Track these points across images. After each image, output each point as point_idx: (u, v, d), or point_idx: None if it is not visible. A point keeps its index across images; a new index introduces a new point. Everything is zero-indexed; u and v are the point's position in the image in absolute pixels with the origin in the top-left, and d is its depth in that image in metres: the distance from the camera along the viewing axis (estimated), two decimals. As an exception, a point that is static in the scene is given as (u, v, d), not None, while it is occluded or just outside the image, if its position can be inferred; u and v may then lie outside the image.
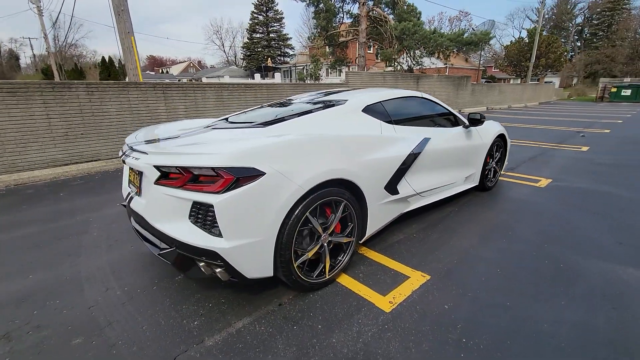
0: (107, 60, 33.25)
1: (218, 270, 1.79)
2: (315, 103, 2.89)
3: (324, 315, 1.96)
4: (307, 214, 1.96)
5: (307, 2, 18.25)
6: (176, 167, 1.79)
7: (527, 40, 36.09)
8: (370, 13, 17.16)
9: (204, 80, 34.67)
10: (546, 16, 54.62)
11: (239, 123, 2.67)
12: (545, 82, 36.58)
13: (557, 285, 2.19)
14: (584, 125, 10.80)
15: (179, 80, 32.97)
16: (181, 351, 1.72)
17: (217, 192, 1.67)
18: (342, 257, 2.32)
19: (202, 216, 1.75)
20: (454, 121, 3.53)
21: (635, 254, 2.57)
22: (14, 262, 2.67)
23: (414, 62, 18.05)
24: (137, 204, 2.10)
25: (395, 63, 17.25)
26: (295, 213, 1.90)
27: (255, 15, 44.14)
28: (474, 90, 17.89)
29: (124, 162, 2.22)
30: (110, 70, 32.45)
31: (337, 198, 2.13)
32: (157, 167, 1.88)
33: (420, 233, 3.00)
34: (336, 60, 21.31)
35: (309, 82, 23.37)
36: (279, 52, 45.92)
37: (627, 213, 3.36)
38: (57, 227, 3.35)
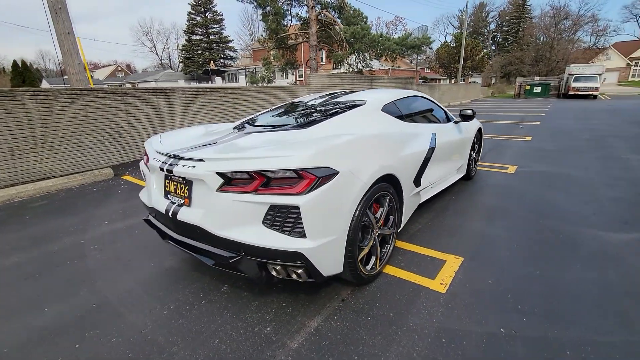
0: (19, 64, 28.99)
1: (299, 271, 1.79)
2: (334, 104, 2.97)
3: (390, 304, 2.07)
4: (367, 209, 2.06)
5: (255, 4, 18.02)
6: (247, 171, 1.76)
7: (453, 45, 39.81)
8: (319, 17, 17.53)
9: (141, 85, 32.12)
10: (469, 22, 60.58)
11: (273, 126, 2.65)
12: (471, 82, 40.77)
13: (566, 252, 2.58)
14: (518, 119, 12.33)
15: (107, 85, 30.02)
16: (269, 357, 1.70)
17: (301, 194, 1.69)
18: (387, 249, 2.45)
19: (281, 218, 1.74)
20: (445, 117, 3.87)
21: (609, 220, 3.11)
22: (18, 297, 2.33)
23: (363, 65, 18.84)
24: (187, 215, 1.99)
25: (347, 65, 17.85)
26: (360, 209, 1.98)
27: (193, 16, 42.12)
28: (418, 90, 19.30)
29: (168, 171, 2.07)
30: (24, 75, 28.33)
31: (384, 192, 2.26)
32: (221, 174, 1.82)
33: (434, 221, 3.25)
34: (286, 62, 21.33)
35: (263, 85, 23.06)
36: (222, 55, 44.40)
37: (588, 189, 4.01)
38: (44, 253, 2.95)
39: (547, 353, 1.64)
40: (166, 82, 34.33)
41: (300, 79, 41.96)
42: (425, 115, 3.48)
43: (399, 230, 2.65)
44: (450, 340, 1.76)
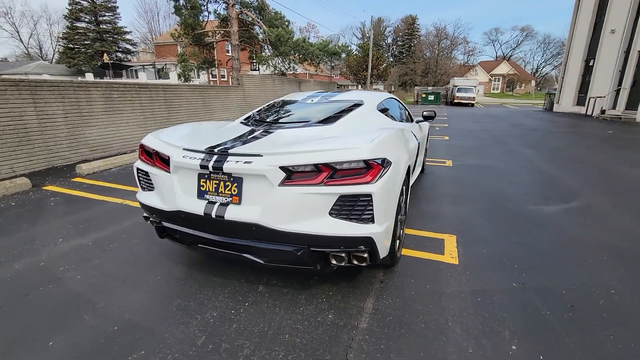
0: None
1: (364, 255, 1.91)
2: (336, 103, 3.11)
3: (423, 279, 2.35)
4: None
5: (167, -5, 16.52)
6: (315, 164, 1.81)
7: (361, 54, 43.36)
8: (241, 16, 17.10)
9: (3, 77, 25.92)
10: (367, 35, 66.35)
11: (293, 122, 2.66)
12: (374, 89, 45.10)
13: (523, 223, 3.28)
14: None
15: (-38, 76, 23.32)
16: (347, 339, 1.79)
17: (371, 182, 1.82)
18: (403, 233, 2.73)
19: (350, 207, 1.84)
20: (410, 117, 4.38)
21: (537, 198, 4.02)
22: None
23: (287, 67, 19.08)
24: (237, 213, 1.91)
25: (272, 67, 17.82)
26: (400, 196, 2.21)
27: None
28: (338, 94, 20.50)
29: (214, 168, 1.93)
30: None
31: (405, 181, 2.54)
32: (284, 168, 1.82)
33: (414, 209, 3.68)
34: (204, 61, 20.14)
35: (196, 84, 21.17)
36: (117, 48, 38.97)
37: (511, 176, 5.04)
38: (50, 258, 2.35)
39: (551, 295, 2.14)
40: (42, 75, 28.39)
41: (214, 79, 39.89)
42: (402, 115, 3.91)
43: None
44: (484, 298, 2.12)
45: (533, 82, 58.50)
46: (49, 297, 2.19)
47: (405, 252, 2.72)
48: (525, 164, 5.81)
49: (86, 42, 36.60)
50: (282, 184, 1.84)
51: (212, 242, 2.07)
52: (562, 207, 3.68)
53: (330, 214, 1.85)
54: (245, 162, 1.87)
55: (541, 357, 1.65)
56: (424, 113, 4.48)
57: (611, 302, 2.07)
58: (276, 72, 18.95)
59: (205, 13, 18.56)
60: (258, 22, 17.07)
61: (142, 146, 2.44)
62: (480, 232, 3.09)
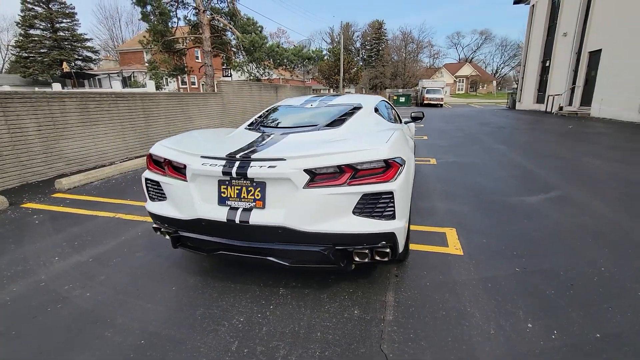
0: None
1: (386, 250, 1.99)
2: (337, 107, 3.20)
3: (434, 270, 2.48)
4: None
5: (133, 0, 16.03)
6: (338, 165, 1.89)
7: (332, 59, 43.99)
8: (213, 22, 16.88)
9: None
10: (336, 40, 67.35)
11: (301, 127, 2.71)
12: (346, 92, 45.89)
13: (511, 213, 3.52)
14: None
15: None
16: (378, 332, 1.87)
17: (391, 180, 1.92)
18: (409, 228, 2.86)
19: (372, 205, 1.93)
20: (399, 118, 4.57)
21: (519, 190, 4.32)
22: None
23: (262, 73, 19.01)
24: (262, 217, 1.94)
25: (247, 73, 17.67)
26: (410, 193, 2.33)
27: (30, 6, 33.82)
28: (314, 98, 20.70)
29: (238, 174, 1.95)
30: None
31: (409, 179, 2.67)
32: (308, 171, 1.89)
33: (412, 205, 3.84)
34: (175, 68, 19.64)
35: (174, 92, 20.44)
36: (77, 56, 37.00)
37: (491, 171, 5.36)
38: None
39: (551, 276, 2.33)
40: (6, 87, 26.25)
41: (184, 86, 38.84)
42: (394, 117, 4.07)
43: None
44: (493, 284, 2.28)
45: (494, 83, 61.77)
46: (60, 317, 2.10)
47: (412, 246, 2.85)
48: (501, 160, 6.20)
49: (42, 51, 34.50)
50: (307, 186, 1.90)
51: (235, 248, 2.08)
52: (542, 198, 3.99)
53: (354, 212, 1.93)
54: (269, 167, 1.91)
55: (555, 332, 1.81)
56: (413, 114, 4.68)
57: (603, 278, 2.29)
58: (251, 78, 18.84)
59: (175, 19, 18.16)
60: (231, 28, 16.92)
61: (150, 156, 2.40)
62: (476, 224, 3.29)
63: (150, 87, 20.08)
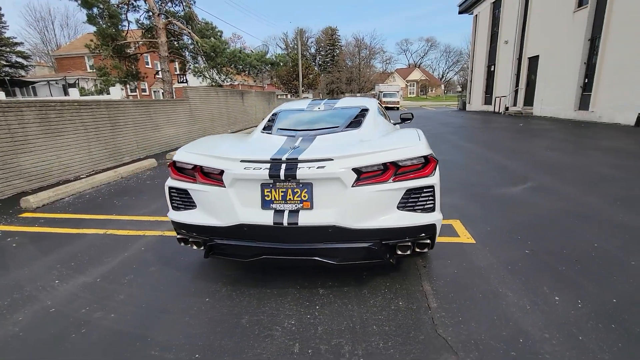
0: None
1: (427, 241, 2.10)
2: (347, 109, 3.28)
3: (456, 259, 2.66)
4: None
5: (78, 2, 14.85)
6: (382, 163, 1.97)
7: (290, 65, 44.15)
8: (169, 26, 16.15)
9: None
10: (290, 45, 67.64)
11: (321, 129, 2.74)
12: (304, 97, 46.32)
13: (504, 202, 3.86)
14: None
15: None
16: (429, 318, 1.98)
17: (430, 175, 2.04)
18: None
19: (415, 199, 2.03)
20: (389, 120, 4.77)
21: (500, 182, 4.73)
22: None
23: (224, 79, 18.54)
24: (311, 218, 1.97)
25: (209, 79, 17.09)
26: None
27: (-56, 5, 29.69)
28: (279, 103, 20.65)
29: (286, 176, 1.95)
30: None
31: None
32: (356, 170, 1.95)
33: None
34: (127, 74, 18.44)
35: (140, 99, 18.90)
36: (5, 62, 33.12)
37: (470, 166, 5.79)
38: (9, 334, 1.98)
39: (557, 255, 2.62)
40: None
41: (134, 93, 36.49)
42: (387, 117, 4.25)
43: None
44: (512, 266, 2.50)
45: (443, 86, 66.02)
46: (92, 341, 1.93)
47: (426, 239, 3.01)
48: (473, 156, 6.71)
49: (-38, 55, 30.51)
50: (355, 184, 1.96)
51: (280, 251, 2.07)
52: (523, 187, 4.41)
53: (398, 207, 2.03)
54: (318, 167, 1.94)
55: (579, 301, 2.05)
56: (402, 115, 4.91)
57: (599, 253, 2.62)
58: (213, 84, 18.28)
59: (125, 22, 17.11)
60: (189, 33, 16.32)
61: (174, 163, 2.31)
62: (476, 214, 3.56)
63: (116, 94, 18.71)
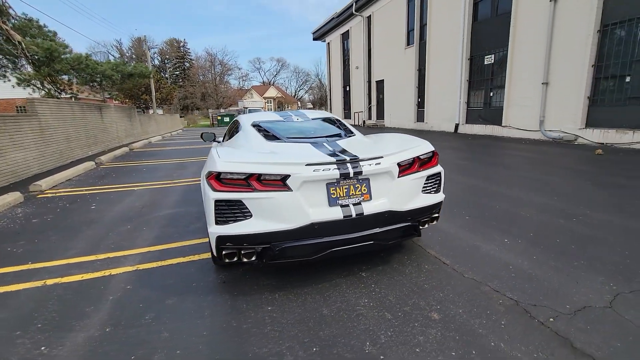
0: None
1: (436, 215, 2.78)
2: (325, 120, 3.67)
3: (431, 231, 3.47)
4: None
5: None
6: (411, 158, 2.54)
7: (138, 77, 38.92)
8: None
9: None
10: (127, 54, 59.63)
11: (331, 136, 3.07)
12: (153, 113, 41.81)
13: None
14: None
15: None
16: (450, 270, 2.66)
17: (437, 165, 2.74)
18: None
19: (431, 184, 2.68)
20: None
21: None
22: None
23: (58, 90, 14.94)
24: (372, 207, 2.34)
25: (43, 90, 13.31)
26: None
27: None
28: (141, 120, 18.16)
29: (355, 174, 2.25)
30: None
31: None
32: (399, 164, 2.45)
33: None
34: None
35: None
36: None
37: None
38: None
39: (477, 217, 3.81)
40: None
41: None
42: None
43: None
44: (505, 238, 3.50)
45: (299, 104, 71.80)
46: None
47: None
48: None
49: None
50: (399, 175, 2.45)
51: (346, 242, 2.32)
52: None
53: (422, 190, 2.64)
54: (375, 164, 2.34)
55: (575, 263, 3.04)
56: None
57: (493, 210, 3.96)
58: (47, 95, 14.41)
59: None
60: (6, 30, 12.47)
61: (218, 175, 2.20)
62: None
63: None
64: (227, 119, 35.54)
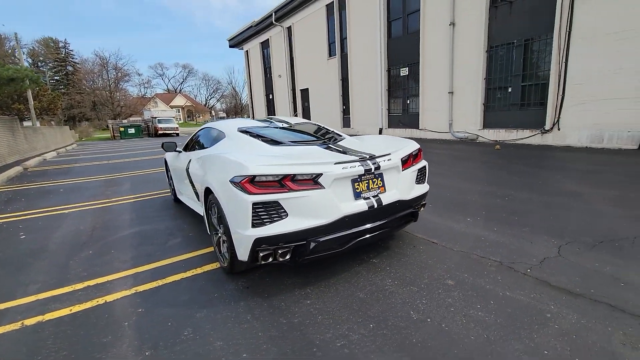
0: None
1: (424, 203, 3.26)
2: (306, 125, 3.85)
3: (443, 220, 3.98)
4: None
5: None
6: (408, 154, 2.97)
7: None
8: None
9: None
10: None
11: (330, 139, 3.25)
12: (32, 126, 35.02)
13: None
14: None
15: None
16: (440, 247, 3.17)
17: (422, 159, 3.22)
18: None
19: (420, 175, 3.13)
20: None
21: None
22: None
23: None
24: (388, 198, 2.68)
25: None
26: None
27: None
28: (26, 134, 15.09)
29: (375, 169, 2.55)
30: None
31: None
32: (402, 160, 2.84)
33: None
34: None
35: None
36: None
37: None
38: None
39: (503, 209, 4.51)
40: None
41: None
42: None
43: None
44: (467, 218, 4.12)
45: (212, 112, 68.29)
46: None
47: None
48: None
49: None
50: (402, 169, 2.84)
51: (368, 230, 2.59)
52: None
53: (415, 182, 3.08)
54: (388, 160, 2.68)
55: (523, 229, 3.82)
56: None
57: (507, 202, 4.74)
58: None
59: None
60: None
61: (252, 178, 2.25)
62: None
63: None
64: (132, 131, 31.74)
